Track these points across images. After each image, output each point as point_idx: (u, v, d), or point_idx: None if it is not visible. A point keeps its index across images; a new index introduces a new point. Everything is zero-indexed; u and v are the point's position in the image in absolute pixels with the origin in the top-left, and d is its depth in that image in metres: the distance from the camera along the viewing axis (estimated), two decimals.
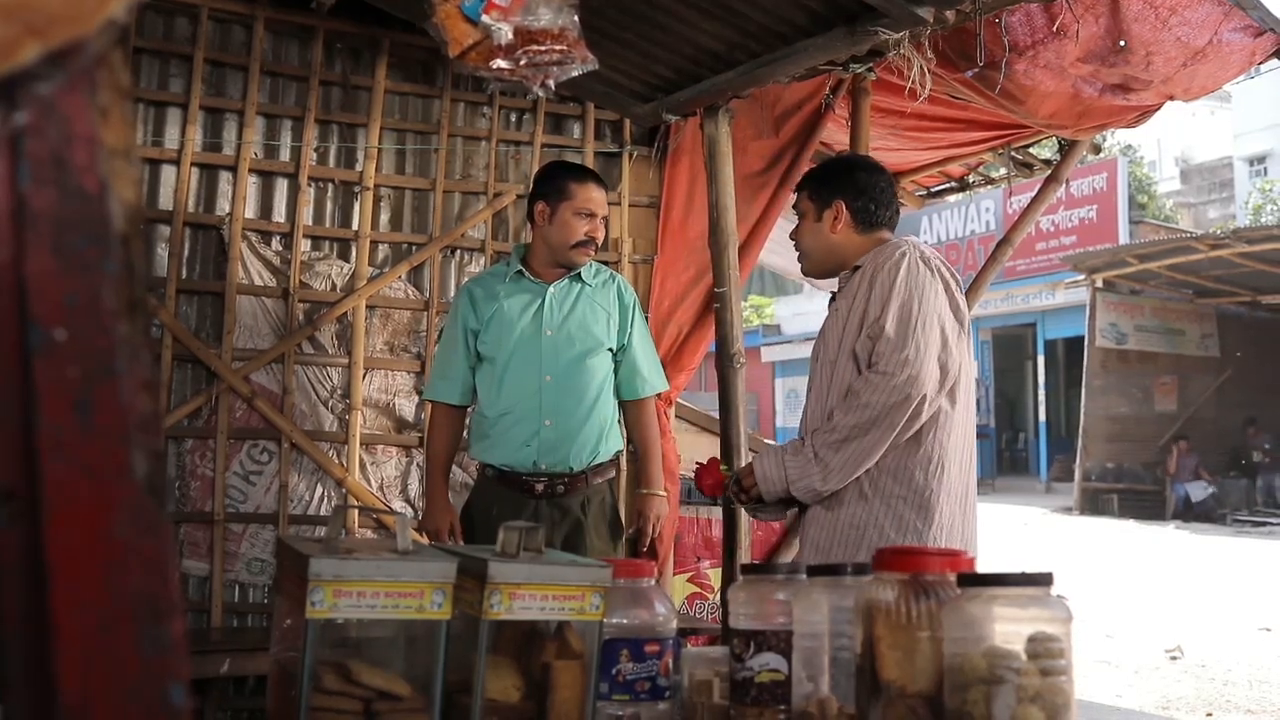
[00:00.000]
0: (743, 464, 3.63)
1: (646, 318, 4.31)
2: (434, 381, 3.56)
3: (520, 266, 3.45)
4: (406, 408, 4.28)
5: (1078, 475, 17.66)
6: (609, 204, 4.55)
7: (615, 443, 3.49)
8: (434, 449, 3.53)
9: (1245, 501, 16.69)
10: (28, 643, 0.57)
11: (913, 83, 3.54)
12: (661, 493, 3.67)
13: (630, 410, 3.57)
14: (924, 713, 1.28)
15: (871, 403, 2.56)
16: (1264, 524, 15.34)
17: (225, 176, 4.09)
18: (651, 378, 3.57)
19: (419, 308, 4.33)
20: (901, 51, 3.44)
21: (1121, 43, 3.51)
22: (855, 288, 2.73)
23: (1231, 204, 30.00)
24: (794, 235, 2.99)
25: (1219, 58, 3.69)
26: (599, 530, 3.38)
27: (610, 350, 3.46)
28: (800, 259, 2.99)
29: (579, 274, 3.45)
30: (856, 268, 2.78)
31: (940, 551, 1.37)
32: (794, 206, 3.01)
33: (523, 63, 2.50)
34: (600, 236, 3.43)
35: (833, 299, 2.89)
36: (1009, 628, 1.24)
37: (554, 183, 3.40)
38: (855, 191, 2.83)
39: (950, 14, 3.27)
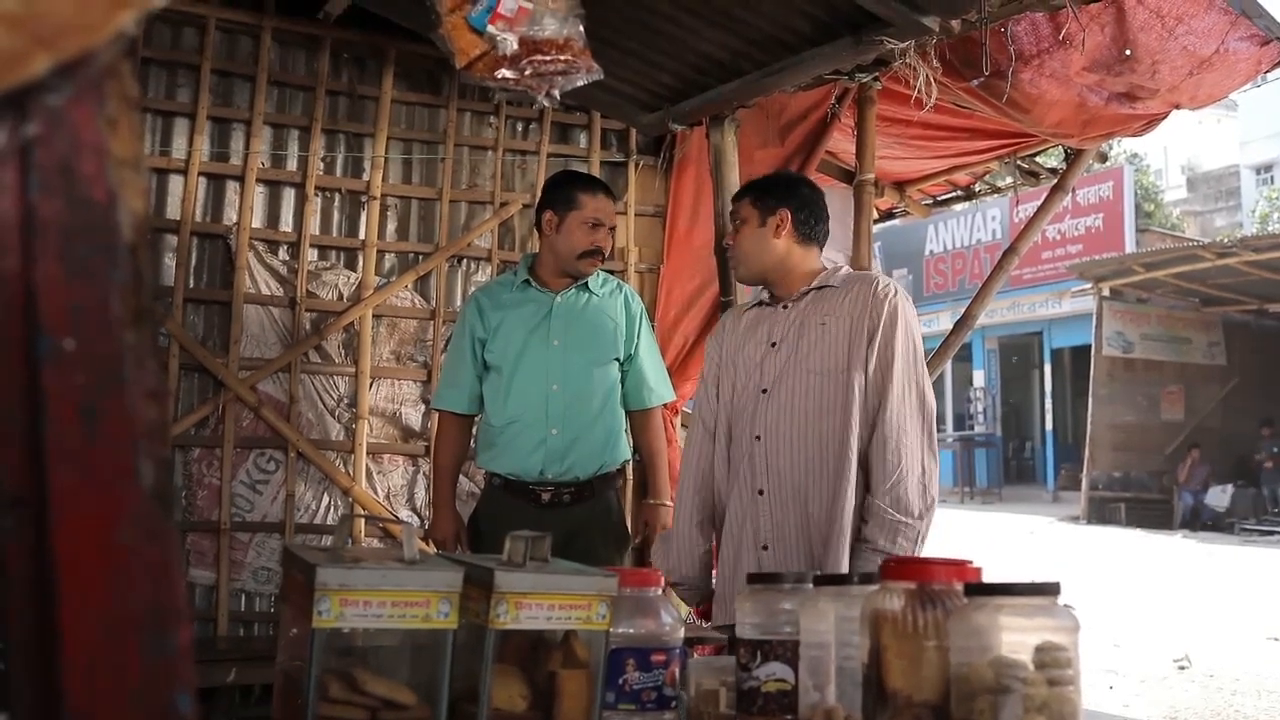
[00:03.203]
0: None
1: (653, 327, 4.31)
2: (442, 390, 3.57)
3: (527, 276, 3.45)
4: (413, 417, 4.29)
5: (1084, 484, 17.62)
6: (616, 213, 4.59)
7: (622, 452, 3.49)
8: (441, 458, 3.54)
9: (1253, 510, 16.63)
10: (33, 650, 0.57)
11: (918, 92, 3.54)
12: (668, 502, 3.67)
13: (637, 420, 3.57)
14: None
15: (919, 433, 2.79)
16: (1272, 533, 15.28)
17: (232, 186, 4.10)
18: (658, 387, 3.57)
19: (425, 317, 4.34)
20: (907, 60, 3.44)
21: (1127, 51, 3.51)
22: (841, 308, 2.86)
23: (1238, 212, 30.01)
24: (730, 242, 3.09)
25: (1225, 66, 3.69)
26: (605, 540, 3.38)
27: (617, 360, 3.46)
28: (735, 265, 3.10)
29: (586, 283, 3.45)
30: (824, 287, 2.92)
31: (947, 561, 1.37)
32: (731, 217, 3.10)
33: (528, 73, 2.51)
34: (608, 247, 3.44)
35: (760, 305, 3.04)
36: (1016, 637, 1.23)
37: (562, 192, 3.40)
38: (799, 203, 2.97)
39: (955, 23, 3.27)
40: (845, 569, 2.66)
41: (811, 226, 2.97)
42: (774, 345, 2.91)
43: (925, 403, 2.81)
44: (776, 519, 2.80)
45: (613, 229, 3.45)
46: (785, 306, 2.95)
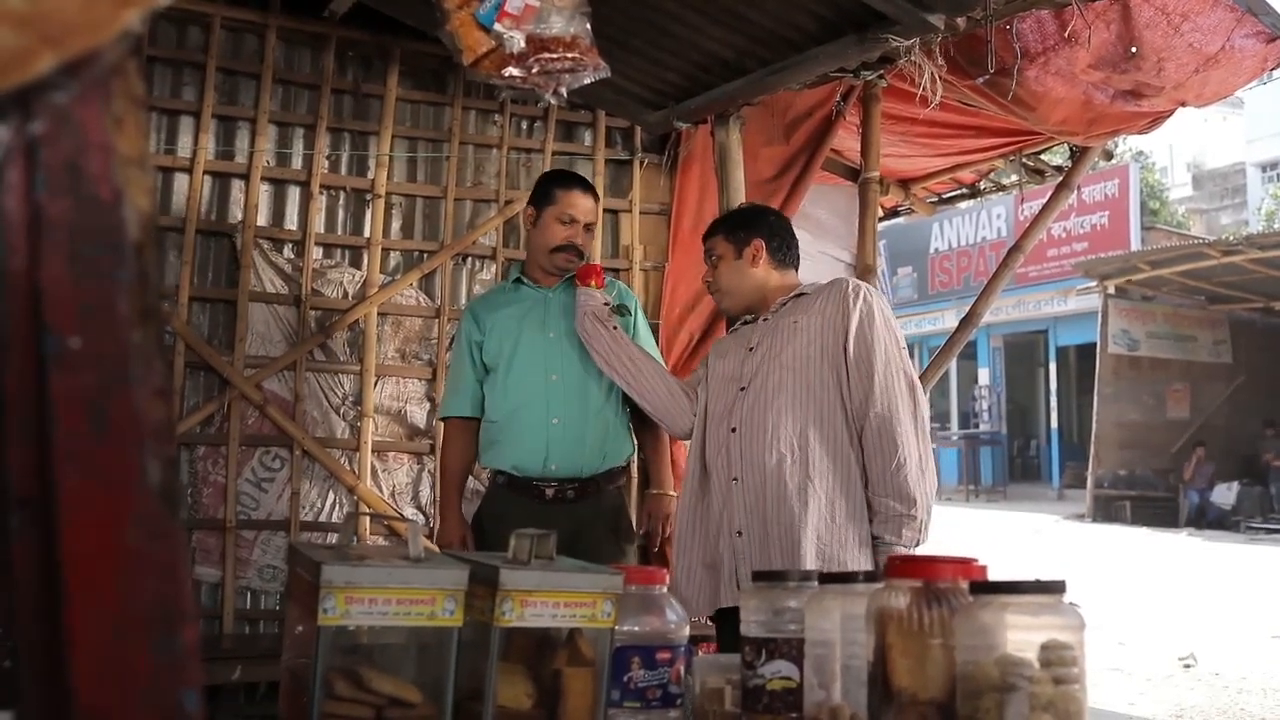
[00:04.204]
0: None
1: (657, 325, 4.32)
2: (446, 399, 3.60)
3: (519, 276, 3.49)
4: (418, 415, 4.29)
5: (1090, 482, 17.60)
6: (620, 211, 4.59)
7: (626, 448, 3.49)
8: (447, 464, 3.55)
9: (1259, 508, 16.60)
10: (41, 649, 0.57)
11: (923, 89, 3.53)
12: (671, 493, 3.68)
13: (639, 413, 3.57)
14: None
15: (911, 419, 2.82)
16: (1277, 531, 15.25)
17: (237, 184, 4.10)
18: None
19: (430, 315, 4.34)
20: (912, 58, 3.43)
21: (1133, 49, 3.50)
22: (813, 309, 2.94)
23: (1244, 210, 29.94)
24: (709, 279, 3.20)
25: (1231, 64, 3.68)
26: (610, 537, 3.38)
27: None
28: (720, 299, 3.22)
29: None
30: (799, 295, 3.03)
31: (953, 559, 1.36)
32: (706, 256, 3.19)
33: (535, 70, 2.51)
34: (583, 244, 3.41)
35: (744, 324, 3.16)
36: (1022, 635, 1.23)
37: (541, 188, 3.47)
38: (770, 231, 3.12)
39: (961, 21, 3.27)
40: (810, 558, 2.75)
41: (785, 252, 3.12)
42: (751, 349, 3.02)
43: (914, 389, 2.86)
44: (749, 505, 2.88)
45: (590, 226, 3.43)
46: (765, 319, 3.07)
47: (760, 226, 3.12)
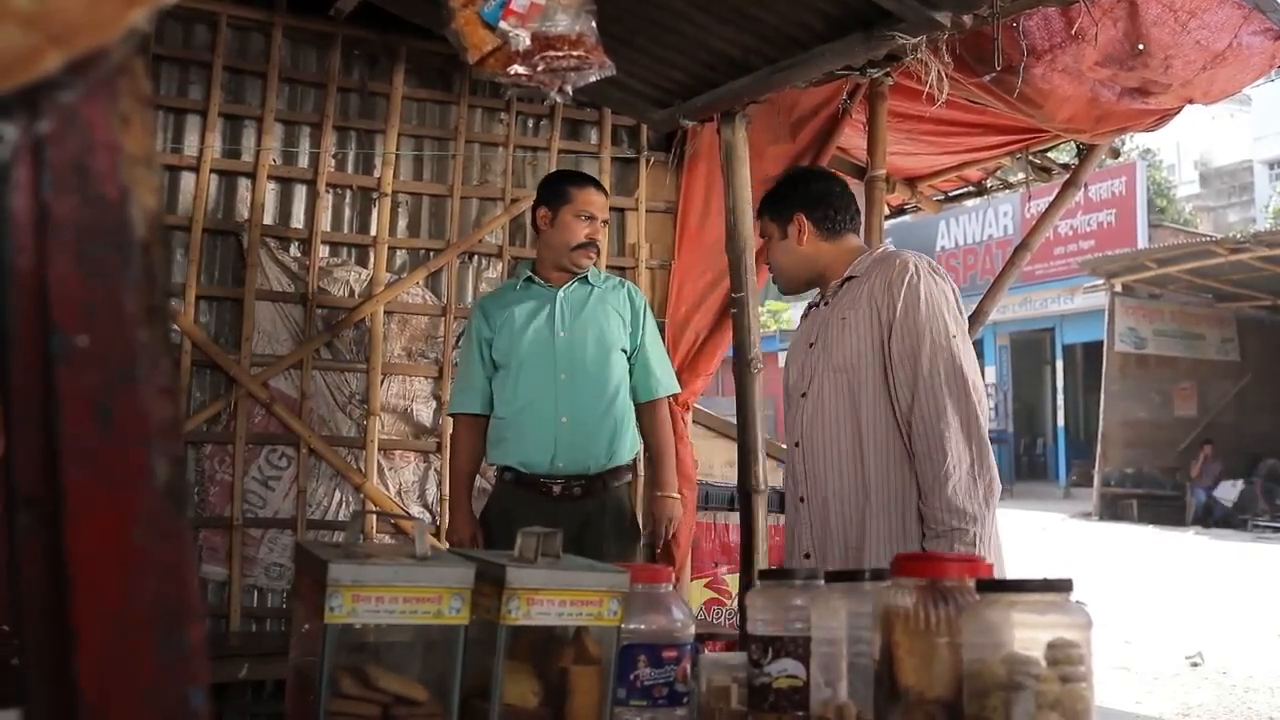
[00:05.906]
0: (759, 471, 3.62)
1: (663, 323, 4.31)
2: (455, 396, 3.63)
3: (529, 274, 3.51)
4: (424, 413, 4.29)
5: (1096, 480, 17.57)
6: (626, 210, 4.59)
7: (632, 445, 3.50)
8: (457, 462, 3.56)
9: (1266, 507, 16.55)
10: (48, 647, 0.57)
11: (930, 87, 3.53)
12: (675, 495, 3.67)
13: (645, 412, 3.58)
14: (942, 719, 1.27)
15: (959, 418, 2.57)
16: None
17: (244, 183, 4.10)
18: (664, 378, 3.60)
19: (436, 313, 4.34)
20: (919, 56, 3.42)
21: (1140, 46, 3.49)
22: (861, 299, 2.72)
23: (1251, 207, 29.89)
24: (764, 260, 3.08)
25: (1239, 61, 3.67)
26: (616, 534, 3.39)
27: (624, 350, 3.49)
28: (776, 279, 3.05)
29: (586, 278, 3.50)
30: (850, 278, 2.80)
31: (959, 558, 1.36)
32: (760, 233, 3.06)
33: (540, 69, 2.51)
34: (600, 240, 3.51)
35: (812, 307, 2.96)
36: (1028, 634, 1.23)
37: (554, 188, 3.50)
38: (812, 202, 2.89)
39: (967, 18, 3.25)
40: None
41: (832, 219, 2.88)
42: (811, 345, 2.84)
43: (963, 382, 2.58)
44: (815, 526, 2.73)
45: (605, 223, 3.54)
46: (827, 303, 2.87)
47: (799, 199, 2.90)
